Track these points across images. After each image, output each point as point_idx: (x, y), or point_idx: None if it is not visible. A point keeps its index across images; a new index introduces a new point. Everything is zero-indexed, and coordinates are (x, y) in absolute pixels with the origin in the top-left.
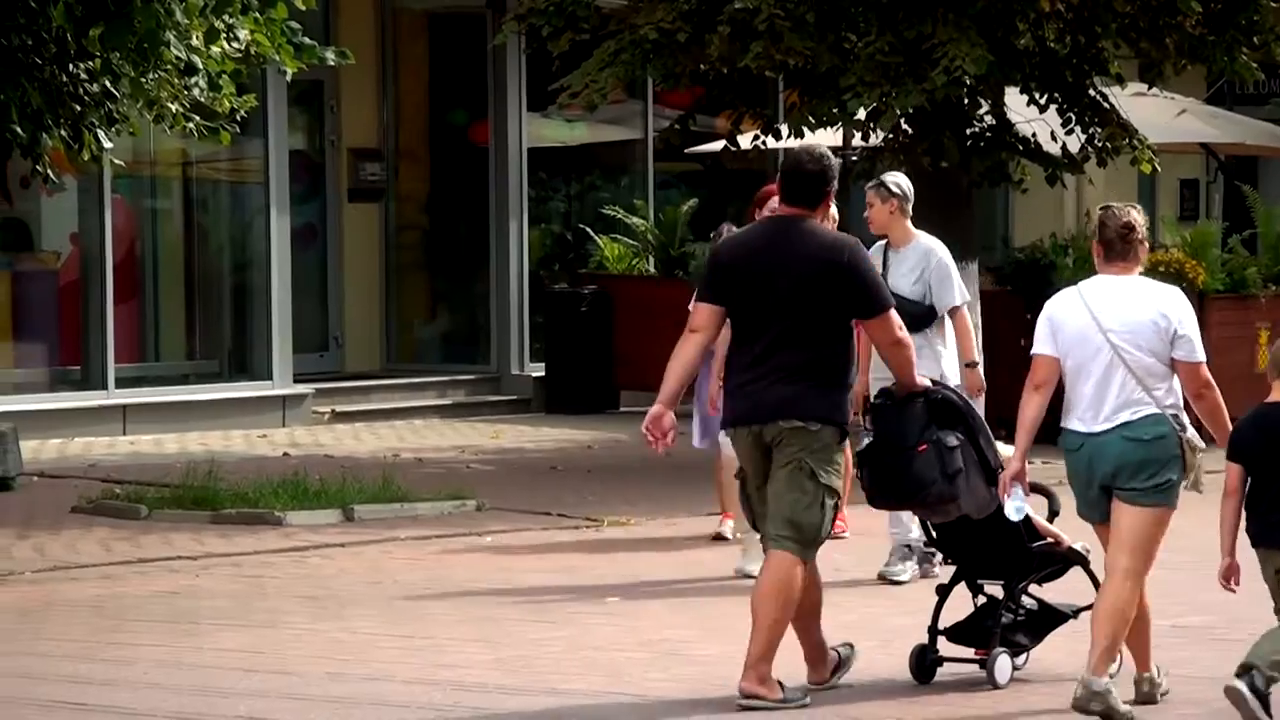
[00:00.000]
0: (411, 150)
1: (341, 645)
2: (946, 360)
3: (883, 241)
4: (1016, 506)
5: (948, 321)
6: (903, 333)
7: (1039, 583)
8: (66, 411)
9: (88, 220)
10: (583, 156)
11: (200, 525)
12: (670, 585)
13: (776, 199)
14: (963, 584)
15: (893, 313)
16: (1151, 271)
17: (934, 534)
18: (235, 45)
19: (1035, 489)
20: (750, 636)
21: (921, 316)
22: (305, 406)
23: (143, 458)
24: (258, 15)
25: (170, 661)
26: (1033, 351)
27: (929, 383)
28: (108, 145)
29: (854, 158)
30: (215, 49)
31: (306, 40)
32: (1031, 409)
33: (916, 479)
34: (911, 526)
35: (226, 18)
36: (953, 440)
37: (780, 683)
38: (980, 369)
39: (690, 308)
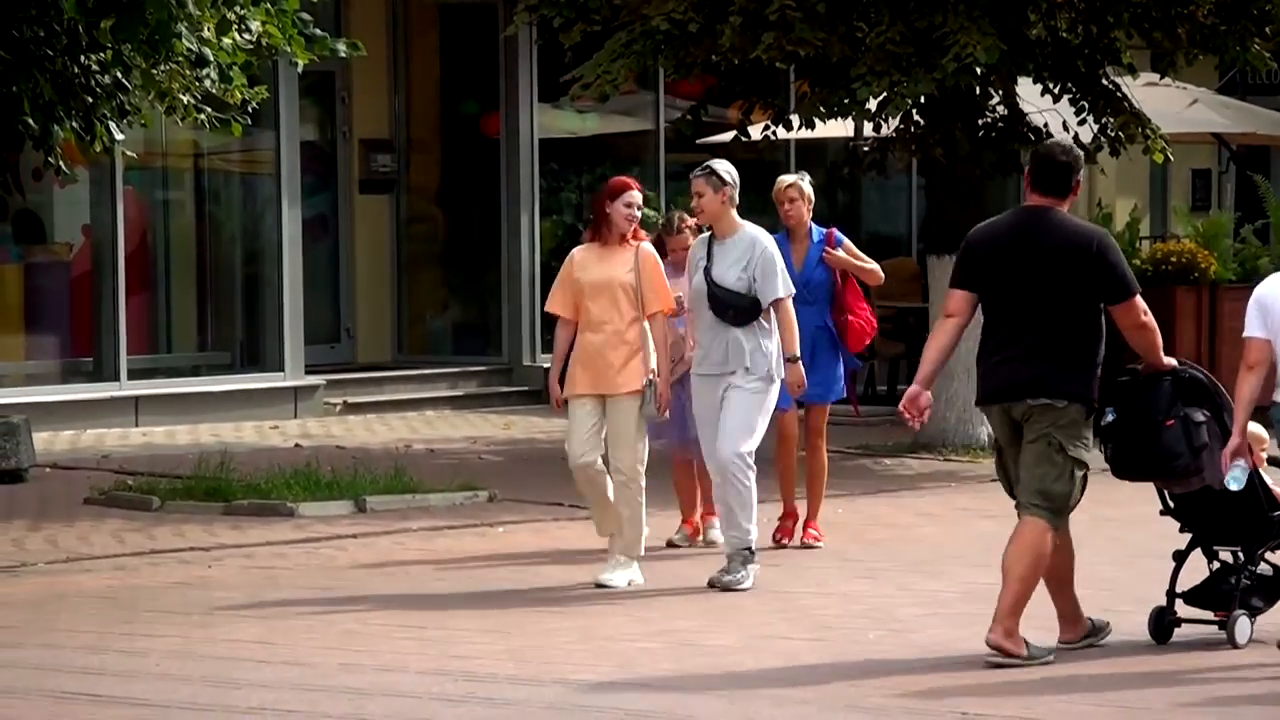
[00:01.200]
0: (423, 141)
1: (354, 636)
2: (776, 357)
3: (708, 233)
4: (1235, 477)
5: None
6: (1148, 317)
7: (1274, 549)
8: (79, 403)
9: (99, 212)
10: (594, 147)
11: (212, 516)
12: (681, 576)
13: (635, 192)
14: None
15: (1139, 298)
16: (1164, 262)
17: (1171, 504)
18: (247, 36)
19: (1273, 462)
20: (1000, 593)
21: (746, 310)
22: (317, 398)
23: (155, 449)
24: (269, 6)
25: (183, 652)
26: (1244, 335)
27: (1175, 362)
28: (119, 137)
29: (865, 148)
30: (227, 40)
31: (318, 31)
32: (1246, 388)
33: (1165, 452)
34: (751, 529)
35: (238, 9)
36: (1199, 416)
37: (1026, 640)
38: (801, 365)
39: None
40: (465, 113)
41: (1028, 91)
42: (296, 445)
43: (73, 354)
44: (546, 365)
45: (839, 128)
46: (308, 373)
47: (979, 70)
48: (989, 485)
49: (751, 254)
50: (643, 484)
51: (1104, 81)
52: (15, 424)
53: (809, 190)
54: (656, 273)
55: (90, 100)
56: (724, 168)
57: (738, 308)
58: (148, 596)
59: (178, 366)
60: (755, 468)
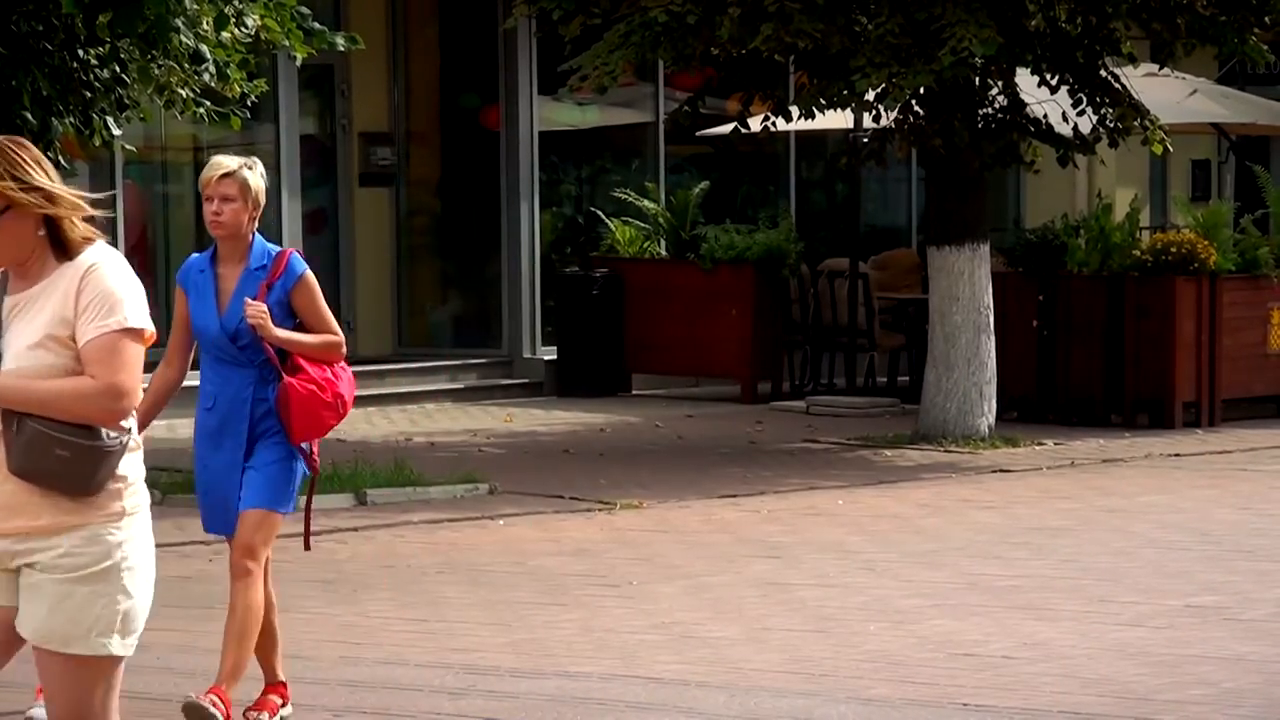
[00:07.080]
0: (422, 134)
1: (354, 629)
2: None
3: None
4: None
5: None
6: None
7: None
8: None
9: (99, 206)
10: (594, 140)
11: None
12: (683, 568)
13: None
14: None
15: None
16: (1164, 252)
17: None
18: (244, 31)
19: None
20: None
21: None
22: None
23: (155, 443)
24: (268, 1)
25: (185, 646)
26: None
27: None
28: (117, 132)
29: (864, 139)
30: (225, 35)
31: (316, 25)
32: None
33: None
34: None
35: (236, 3)
36: None
37: None
38: None
39: None
40: (465, 106)
41: (1027, 82)
42: None
43: None
44: (548, 357)
45: (838, 119)
46: None
47: (977, 63)
48: (989, 476)
49: None
50: None
51: (1103, 72)
52: None
53: (257, 185)
54: None
55: (88, 95)
56: None
57: None
58: None
59: None
60: None
